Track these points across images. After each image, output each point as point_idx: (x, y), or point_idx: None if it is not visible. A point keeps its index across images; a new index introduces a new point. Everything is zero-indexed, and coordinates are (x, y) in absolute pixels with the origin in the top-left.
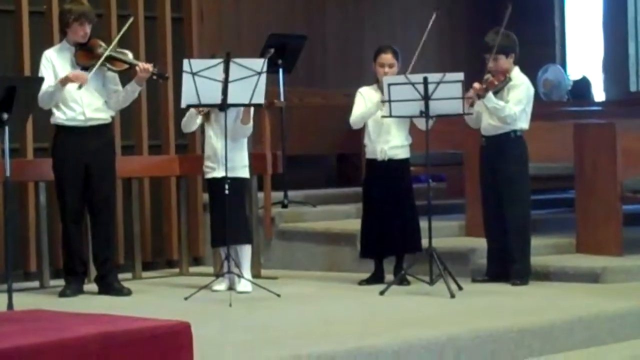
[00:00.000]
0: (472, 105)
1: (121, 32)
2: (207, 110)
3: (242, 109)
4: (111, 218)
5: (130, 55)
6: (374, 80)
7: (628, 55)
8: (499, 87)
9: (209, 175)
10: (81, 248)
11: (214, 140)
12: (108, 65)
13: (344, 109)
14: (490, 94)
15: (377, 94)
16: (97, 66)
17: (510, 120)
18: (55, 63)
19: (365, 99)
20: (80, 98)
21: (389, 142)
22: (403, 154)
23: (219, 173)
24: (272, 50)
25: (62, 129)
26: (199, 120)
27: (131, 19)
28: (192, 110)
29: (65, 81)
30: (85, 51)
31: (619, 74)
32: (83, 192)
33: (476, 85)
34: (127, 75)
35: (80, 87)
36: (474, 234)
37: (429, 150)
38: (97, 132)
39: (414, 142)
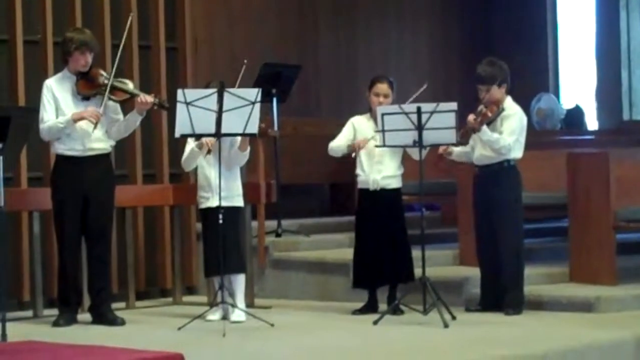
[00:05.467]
0: (466, 139)
1: (122, 40)
2: (209, 150)
3: (237, 137)
4: (107, 248)
5: (131, 85)
6: (367, 110)
7: (621, 84)
8: (492, 118)
9: (203, 205)
10: (77, 277)
11: (207, 169)
12: (109, 95)
13: None
14: (484, 128)
15: (370, 123)
16: (105, 100)
17: (505, 151)
18: (56, 92)
19: (356, 129)
20: (81, 127)
21: (382, 171)
22: (395, 183)
23: (214, 202)
24: None
25: (61, 159)
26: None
27: (131, 15)
28: (193, 148)
29: (79, 119)
30: (87, 80)
31: (612, 103)
32: (81, 221)
33: (471, 118)
34: (126, 103)
35: (96, 126)
36: (468, 263)
37: (423, 179)
38: (97, 162)
39: (407, 170)
